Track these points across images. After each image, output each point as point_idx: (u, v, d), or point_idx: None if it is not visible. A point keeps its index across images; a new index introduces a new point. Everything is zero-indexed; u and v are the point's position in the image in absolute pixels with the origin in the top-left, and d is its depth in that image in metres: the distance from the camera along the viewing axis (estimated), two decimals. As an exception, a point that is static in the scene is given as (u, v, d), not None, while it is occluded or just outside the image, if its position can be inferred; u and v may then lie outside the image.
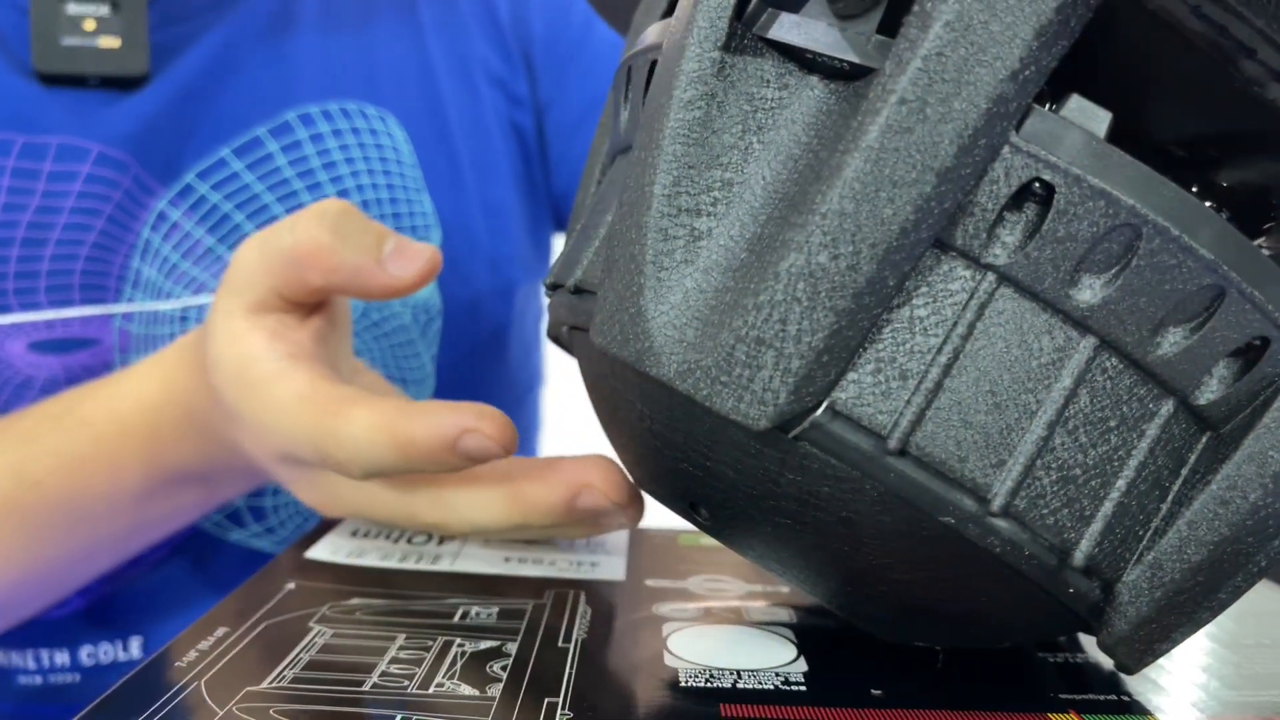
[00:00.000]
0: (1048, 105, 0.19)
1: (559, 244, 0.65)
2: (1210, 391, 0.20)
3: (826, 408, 0.19)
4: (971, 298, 0.19)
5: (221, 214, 0.50)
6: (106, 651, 0.49)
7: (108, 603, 0.49)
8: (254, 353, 0.32)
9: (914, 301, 0.19)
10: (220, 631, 0.25)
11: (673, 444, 0.22)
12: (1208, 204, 0.21)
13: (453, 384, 0.56)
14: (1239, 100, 0.20)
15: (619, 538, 0.35)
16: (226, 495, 0.42)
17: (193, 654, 0.23)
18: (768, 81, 0.20)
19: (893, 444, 0.19)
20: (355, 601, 0.28)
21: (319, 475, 0.33)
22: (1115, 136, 0.19)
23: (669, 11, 0.28)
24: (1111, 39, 0.19)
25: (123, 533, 0.41)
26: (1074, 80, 0.19)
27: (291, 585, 0.29)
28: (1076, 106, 0.19)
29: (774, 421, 0.18)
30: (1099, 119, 0.19)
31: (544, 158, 0.60)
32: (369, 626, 0.26)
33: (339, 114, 0.52)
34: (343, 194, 0.52)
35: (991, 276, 0.19)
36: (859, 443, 0.19)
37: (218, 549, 0.50)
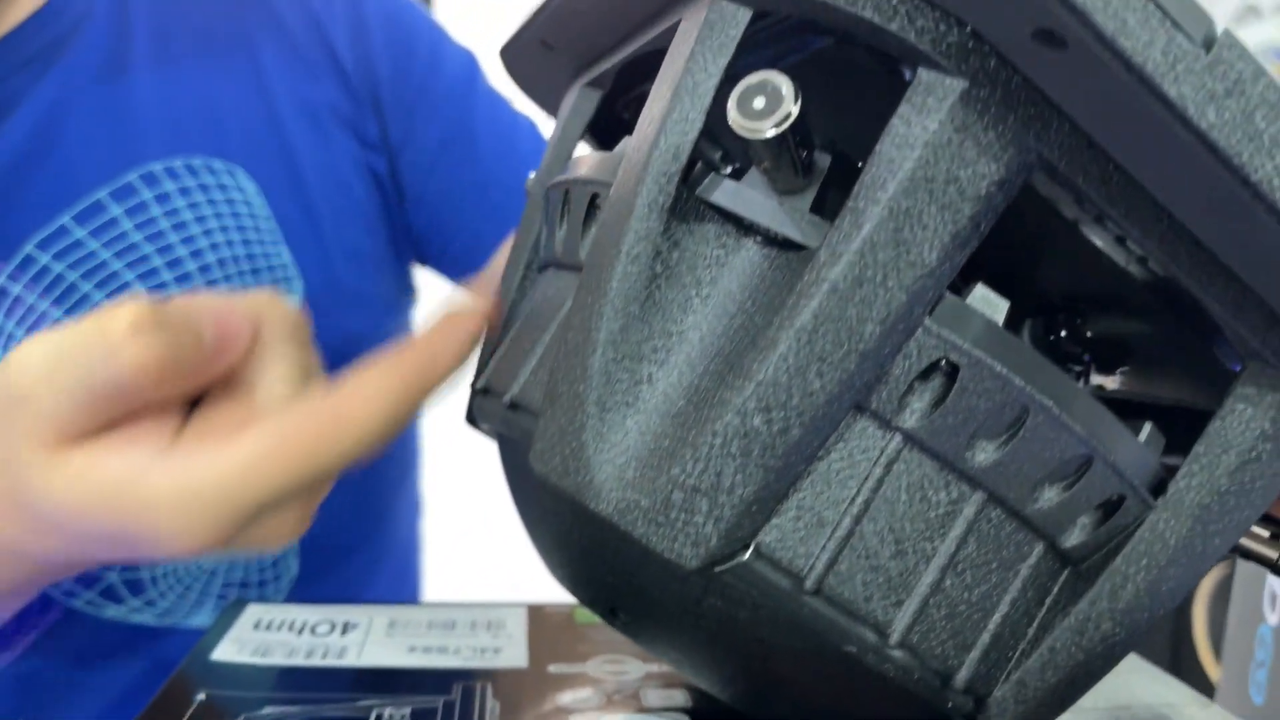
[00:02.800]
0: (958, 290, 0.21)
1: (422, 277, 0.65)
2: (1075, 537, 0.22)
3: (752, 550, 0.21)
4: (882, 455, 0.21)
5: (67, 284, 0.48)
6: None
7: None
8: (128, 477, 0.26)
9: (832, 457, 0.21)
10: None
11: (601, 560, 0.23)
12: (1076, 348, 0.23)
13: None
14: (1105, 271, 0.23)
15: (518, 619, 0.36)
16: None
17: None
18: (709, 240, 0.22)
19: (809, 584, 0.21)
20: (268, 711, 0.28)
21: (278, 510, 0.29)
22: (1010, 301, 0.21)
23: (608, 137, 0.30)
24: (1004, 219, 0.21)
25: None
26: (975, 254, 0.21)
27: (202, 696, 0.29)
28: (980, 295, 0.21)
29: (704, 562, 0.20)
30: (999, 307, 0.21)
31: (401, 198, 0.60)
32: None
33: (185, 171, 0.51)
34: (196, 254, 0.50)
35: (900, 437, 0.21)
36: (778, 581, 0.21)
37: (95, 628, 0.49)
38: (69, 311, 0.48)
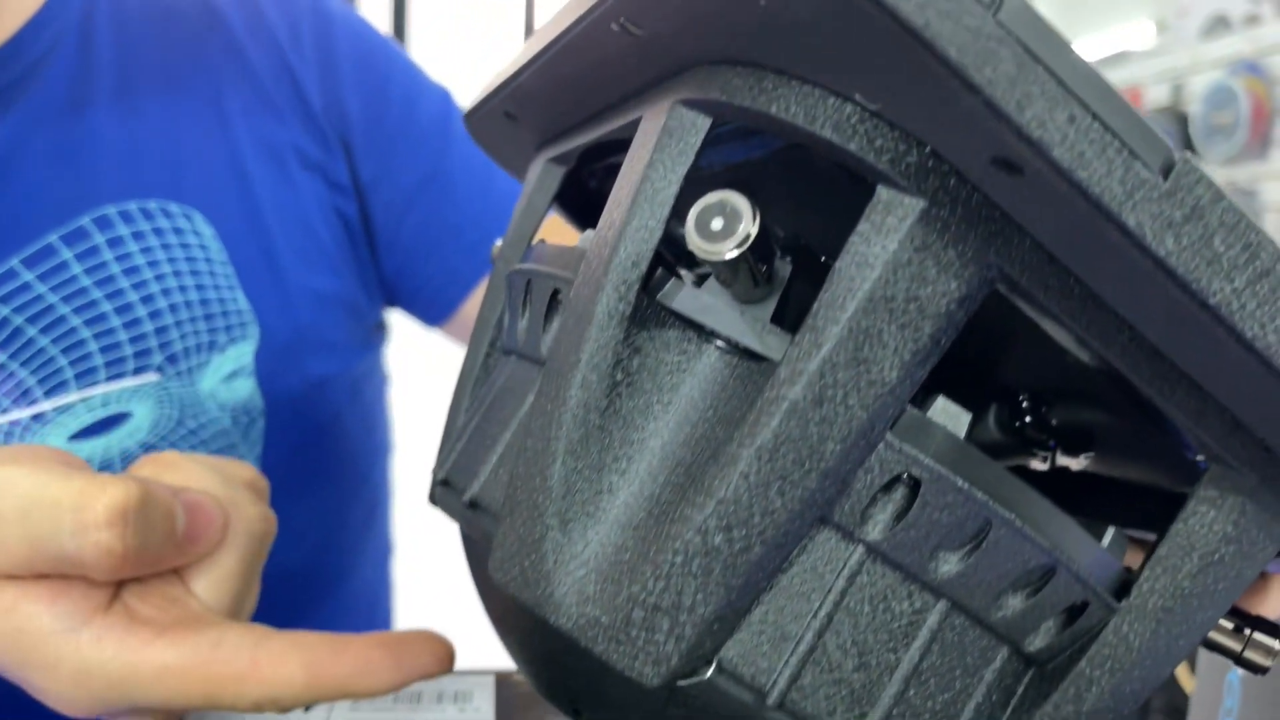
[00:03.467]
0: (919, 403, 0.21)
1: (393, 318, 0.64)
2: (1039, 641, 0.22)
3: (715, 666, 0.20)
4: (845, 567, 0.21)
5: (13, 328, 0.47)
6: None
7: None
8: (35, 628, 0.27)
9: (795, 569, 0.20)
10: None
11: (564, 665, 0.23)
12: (1040, 435, 0.23)
13: (282, 482, 0.54)
14: (1068, 369, 0.23)
15: (485, 690, 0.35)
16: None
17: None
18: (670, 347, 0.21)
19: (772, 699, 0.20)
20: None
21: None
22: (970, 419, 0.21)
23: (575, 204, 0.29)
24: (969, 321, 0.21)
25: None
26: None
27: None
28: (942, 408, 0.21)
29: (665, 680, 0.20)
30: (960, 420, 0.21)
31: (371, 240, 0.58)
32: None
33: (139, 214, 0.50)
34: (147, 299, 0.49)
35: (862, 549, 0.20)
36: (741, 696, 0.21)
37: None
38: (14, 356, 0.47)
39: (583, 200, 0.32)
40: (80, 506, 0.26)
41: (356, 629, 0.63)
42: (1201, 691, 0.46)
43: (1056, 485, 0.33)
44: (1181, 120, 2.44)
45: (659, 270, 0.22)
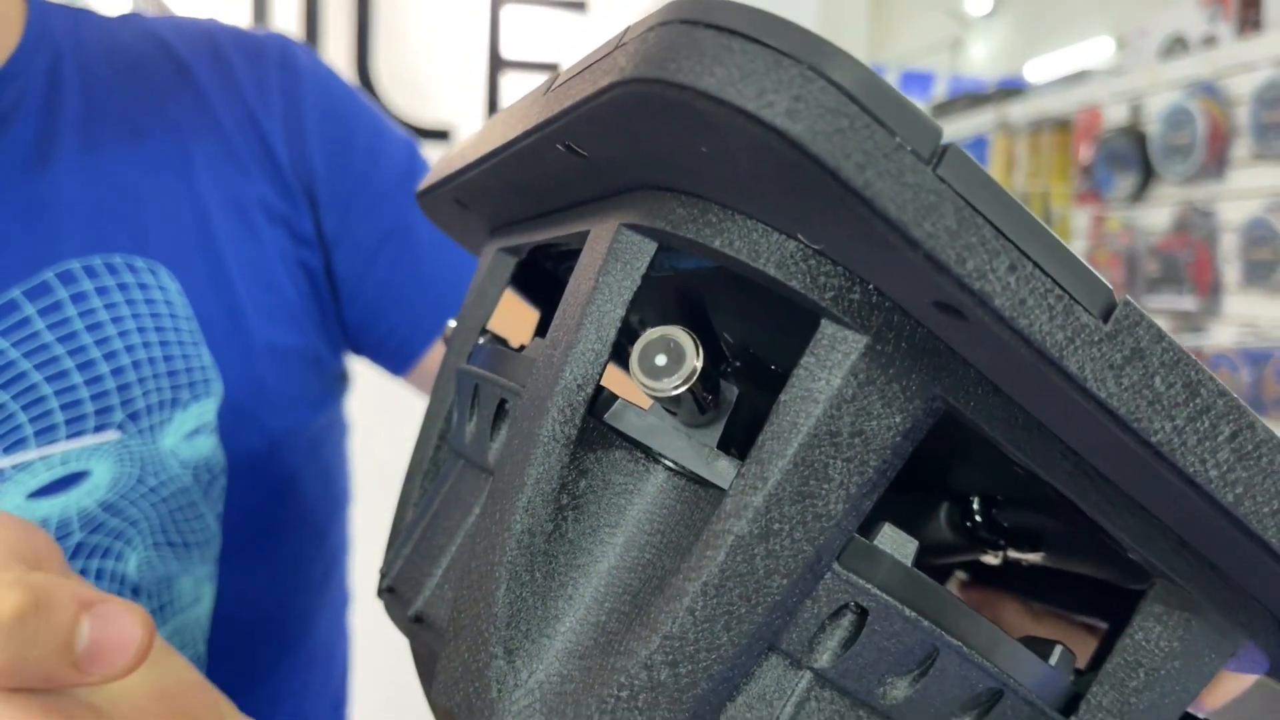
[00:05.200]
0: (866, 531, 0.21)
1: (354, 364, 0.64)
2: None
3: None
4: (793, 694, 0.21)
5: (-28, 385, 0.46)
6: None
7: None
8: None
9: (741, 698, 0.21)
10: None
11: None
12: (990, 534, 0.23)
13: (242, 540, 0.54)
14: (1017, 481, 0.24)
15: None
16: None
17: None
18: (616, 468, 0.21)
19: None
20: None
21: None
22: (917, 548, 0.21)
23: (530, 284, 0.28)
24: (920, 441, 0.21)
25: None
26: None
27: None
28: (889, 536, 0.21)
29: None
30: (908, 547, 0.21)
31: (335, 292, 0.59)
32: None
33: (104, 269, 0.49)
34: (110, 355, 0.49)
35: (810, 676, 0.21)
36: None
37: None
38: (-25, 414, 0.46)
39: (538, 279, 0.32)
40: None
41: (315, 681, 0.63)
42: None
43: (1009, 574, 0.33)
44: (1140, 140, 2.48)
45: (604, 392, 0.22)
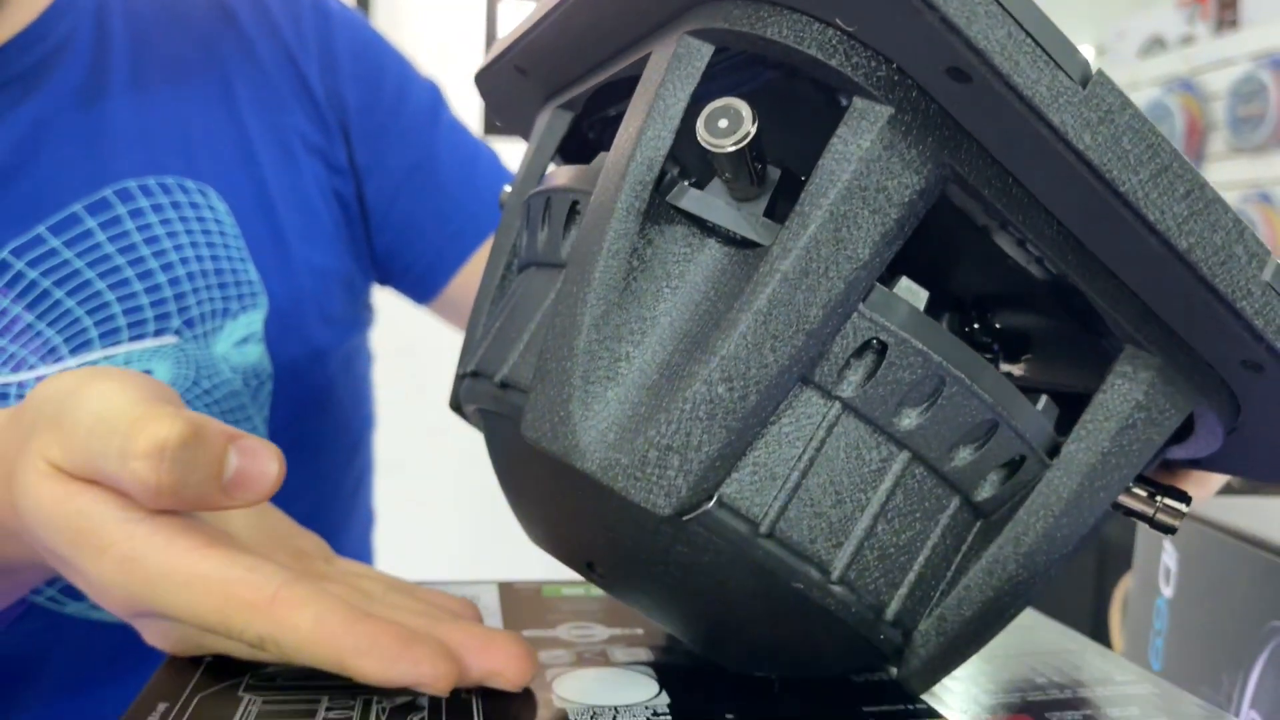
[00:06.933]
0: (886, 281, 0.25)
1: (381, 297, 0.68)
2: (984, 492, 0.27)
3: (716, 500, 0.24)
4: (823, 420, 0.25)
5: (40, 290, 0.50)
6: None
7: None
8: (97, 512, 0.28)
9: (783, 421, 0.25)
10: (161, 707, 0.27)
11: (580, 518, 0.27)
12: (985, 356, 0.27)
13: (286, 443, 0.57)
14: (1009, 271, 0.27)
15: (490, 596, 0.39)
16: (27, 585, 0.40)
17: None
18: (677, 240, 0.25)
19: (763, 529, 0.24)
20: (273, 669, 0.30)
21: (176, 626, 0.30)
22: (928, 297, 0.25)
23: (575, 155, 0.33)
24: (927, 226, 0.25)
25: None
26: (902, 252, 0.25)
27: (210, 658, 0.31)
28: (905, 285, 0.25)
29: (676, 510, 0.24)
30: (920, 296, 0.25)
31: (365, 222, 0.63)
32: (292, 692, 0.29)
33: (158, 189, 0.53)
34: (166, 266, 0.53)
35: (838, 405, 0.25)
36: (738, 526, 0.24)
37: (57, 623, 0.50)
38: (41, 317, 0.50)
39: (584, 152, 0.36)
40: (129, 435, 0.27)
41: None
42: (1133, 617, 0.51)
43: None
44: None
45: (667, 176, 0.26)
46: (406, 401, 1.29)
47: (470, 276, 0.64)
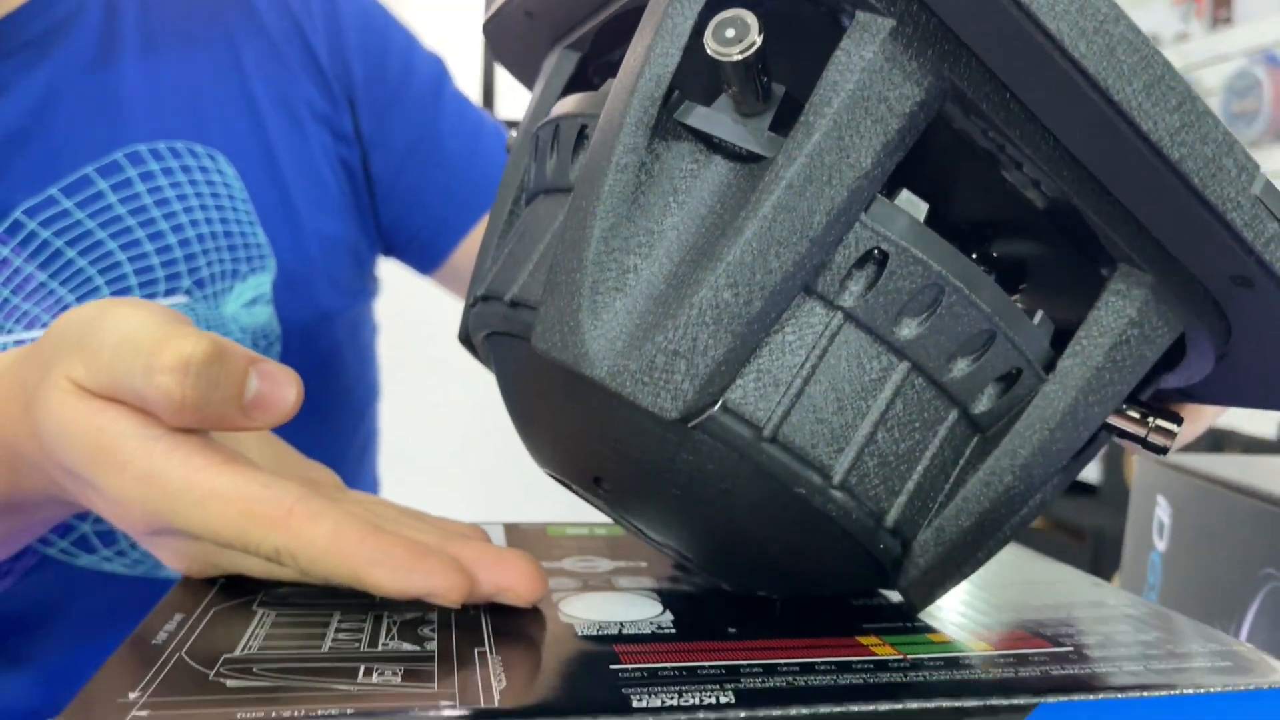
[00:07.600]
0: (887, 194, 0.26)
1: (386, 268, 0.69)
2: (982, 405, 0.27)
3: (720, 404, 0.25)
4: (826, 329, 0.25)
5: (53, 249, 0.51)
6: None
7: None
8: (118, 429, 0.28)
9: (786, 329, 0.25)
10: (178, 618, 0.28)
11: (589, 431, 0.27)
12: (983, 269, 0.28)
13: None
14: (1007, 196, 0.28)
15: (497, 535, 0.40)
16: (41, 525, 0.41)
17: (163, 634, 0.26)
18: (684, 156, 0.26)
19: (766, 433, 0.25)
20: (286, 589, 0.31)
21: (191, 544, 0.31)
22: (928, 218, 0.26)
23: (578, 85, 0.34)
24: (927, 149, 0.26)
25: None
26: (903, 176, 0.26)
27: (224, 579, 0.32)
28: (906, 198, 0.26)
29: (682, 414, 0.24)
30: (920, 208, 0.26)
31: (371, 192, 0.64)
32: (305, 609, 0.29)
33: (168, 153, 0.54)
34: (176, 228, 0.53)
35: (840, 314, 0.25)
36: (742, 431, 0.25)
37: (68, 575, 0.51)
38: (53, 276, 0.51)
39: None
40: (154, 352, 0.28)
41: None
42: (1127, 571, 0.52)
43: None
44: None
45: (674, 94, 0.26)
46: (411, 377, 1.31)
47: (473, 246, 0.65)
